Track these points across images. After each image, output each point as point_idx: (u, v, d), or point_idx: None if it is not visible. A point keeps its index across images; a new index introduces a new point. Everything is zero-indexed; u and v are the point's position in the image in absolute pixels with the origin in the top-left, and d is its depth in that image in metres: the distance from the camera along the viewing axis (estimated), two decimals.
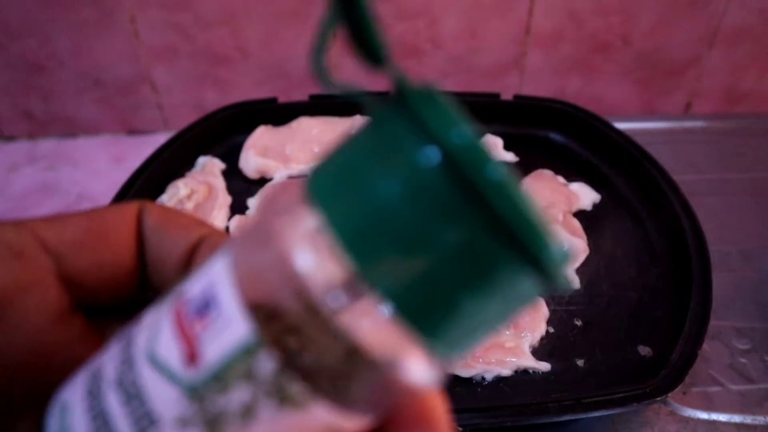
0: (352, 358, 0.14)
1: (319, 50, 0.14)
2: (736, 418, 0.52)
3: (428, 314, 0.13)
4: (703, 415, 0.52)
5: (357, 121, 0.67)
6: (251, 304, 0.14)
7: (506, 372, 0.49)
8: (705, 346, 0.55)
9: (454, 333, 0.13)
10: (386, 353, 0.14)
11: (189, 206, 0.59)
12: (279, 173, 0.63)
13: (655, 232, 0.59)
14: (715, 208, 0.65)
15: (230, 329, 0.14)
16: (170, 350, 0.14)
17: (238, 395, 0.14)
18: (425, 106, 0.12)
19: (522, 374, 0.50)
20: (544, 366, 0.50)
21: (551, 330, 0.53)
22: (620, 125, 0.67)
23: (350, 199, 0.13)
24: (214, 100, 0.85)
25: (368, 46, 0.14)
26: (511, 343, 0.50)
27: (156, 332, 0.15)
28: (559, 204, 0.59)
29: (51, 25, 0.79)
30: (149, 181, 0.61)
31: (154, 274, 0.20)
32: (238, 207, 0.62)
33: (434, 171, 0.12)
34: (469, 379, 0.49)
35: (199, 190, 0.60)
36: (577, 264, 0.57)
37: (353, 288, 0.13)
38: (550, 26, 0.78)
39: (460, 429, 0.45)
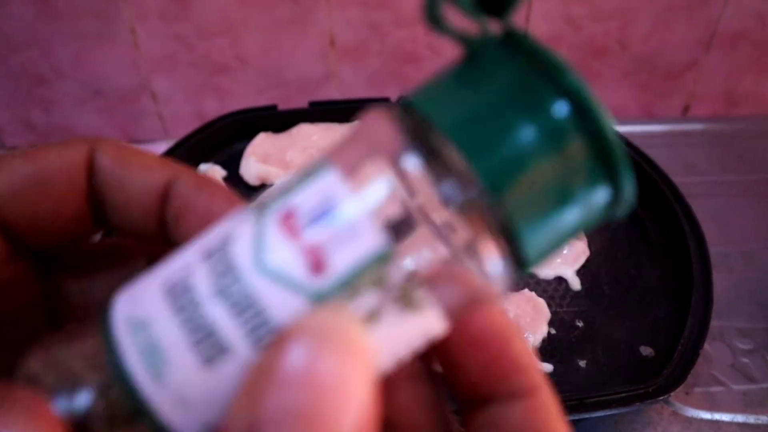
0: (465, 254, 0.15)
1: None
2: (739, 418, 0.52)
3: (530, 213, 0.15)
4: (706, 415, 0.52)
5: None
6: (376, 212, 0.15)
7: None
8: (707, 346, 0.55)
9: (543, 235, 0.15)
10: (490, 253, 0.15)
11: None
12: (280, 179, 0.64)
13: (655, 234, 0.59)
14: (715, 209, 0.65)
15: (362, 239, 0.14)
16: (289, 260, 0.14)
17: (365, 301, 0.14)
18: (547, 55, 0.15)
19: None
20: (546, 367, 0.50)
21: (553, 331, 0.53)
22: (619, 128, 0.67)
23: (464, 107, 0.15)
24: (214, 108, 0.85)
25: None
26: None
27: (262, 243, 0.15)
28: None
29: (52, 36, 0.80)
30: None
31: (116, 217, 0.19)
32: None
33: (552, 100, 0.14)
34: None
35: None
36: (578, 266, 0.57)
37: (465, 185, 0.15)
38: (547, 31, 0.78)
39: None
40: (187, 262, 0.16)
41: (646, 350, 0.52)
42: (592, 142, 0.15)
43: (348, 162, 0.15)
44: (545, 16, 0.78)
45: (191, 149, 0.65)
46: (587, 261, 0.57)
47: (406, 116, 0.16)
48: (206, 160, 0.67)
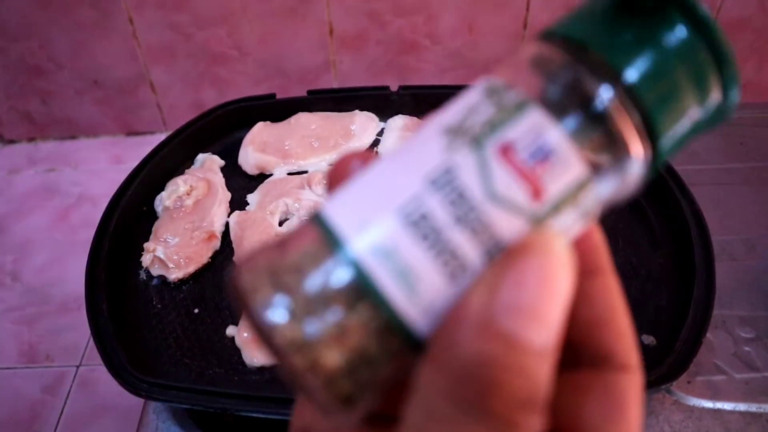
0: (619, 161, 0.18)
1: None
2: (741, 407, 0.52)
3: (666, 115, 0.18)
4: (708, 404, 0.52)
5: (355, 116, 0.66)
6: (578, 146, 0.18)
7: None
8: (709, 335, 0.55)
9: (671, 134, 0.18)
10: (636, 149, 0.18)
11: (189, 203, 0.59)
12: (278, 169, 0.63)
13: (657, 222, 0.59)
14: (717, 197, 0.64)
15: (569, 170, 0.18)
16: (515, 190, 0.17)
17: (564, 217, 0.18)
18: (693, 5, 0.18)
19: None
20: None
21: None
22: None
23: (618, 32, 0.18)
24: (212, 99, 0.85)
25: None
26: None
27: (488, 175, 0.18)
28: None
29: (50, 27, 0.80)
30: (149, 178, 0.61)
31: None
32: (237, 203, 0.61)
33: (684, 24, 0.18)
34: None
35: (199, 187, 0.60)
36: None
37: (619, 86, 0.18)
38: (548, 20, 0.78)
39: None
40: (412, 190, 0.18)
41: (648, 339, 0.51)
42: (713, 57, 0.18)
43: (535, 93, 0.18)
44: (546, 5, 0.77)
45: (189, 138, 0.65)
46: None
47: (567, 48, 0.19)
48: (204, 149, 0.66)
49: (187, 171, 0.63)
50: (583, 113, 0.18)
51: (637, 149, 0.18)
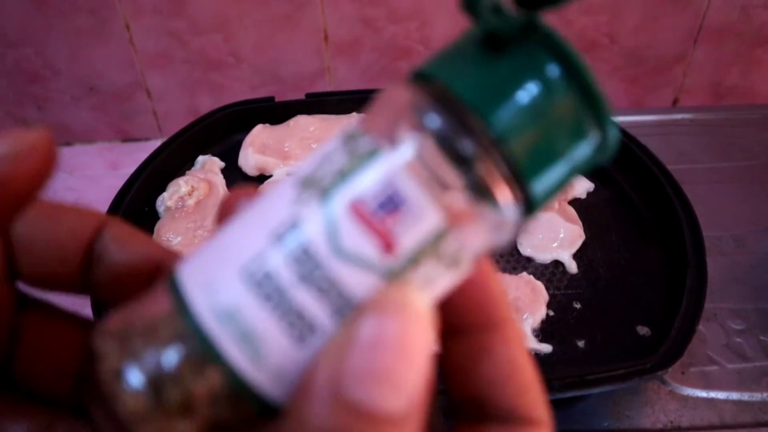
0: (488, 207, 0.17)
1: None
2: (734, 396, 0.53)
3: (537, 162, 0.17)
4: (702, 394, 0.53)
5: (353, 119, 0.68)
6: (433, 194, 0.17)
7: None
8: (701, 327, 0.56)
9: (544, 178, 0.18)
10: (504, 197, 0.17)
11: (190, 203, 0.60)
12: (278, 170, 0.64)
13: (649, 217, 0.61)
14: (706, 195, 0.66)
15: (424, 220, 0.17)
16: (364, 245, 0.17)
17: (424, 270, 0.17)
18: (559, 45, 0.17)
19: None
20: (546, 347, 0.51)
21: (551, 313, 0.54)
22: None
23: (481, 75, 0.18)
24: (208, 105, 0.86)
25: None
26: None
27: (336, 231, 0.17)
28: None
29: (47, 33, 0.80)
30: (150, 180, 0.62)
31: (101, 274, 0.21)
32: None
33: (553, 70, 0.17)
34: None
35: (200, 187, 0.61)
36: (574, 250, 0.58)
37: (481, 141, 0.17)
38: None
39: None
40: (257, 248, 0.17)
41: (642, 330, 0.53)
42: (583, 97, 0.17)
43: (393, 139, 0.17)
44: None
45: (189, 140, 0.66)
46: (583, 245, 0.58)
47: (425, 88, 0.18)
48: (204, 151, 0.67)
49: (187, 172, 0.64)
50: (444, 160, 0.17)
51: (506, 197, 0.17)
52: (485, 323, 0.20)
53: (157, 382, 0.17)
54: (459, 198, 0.17)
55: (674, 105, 0.86)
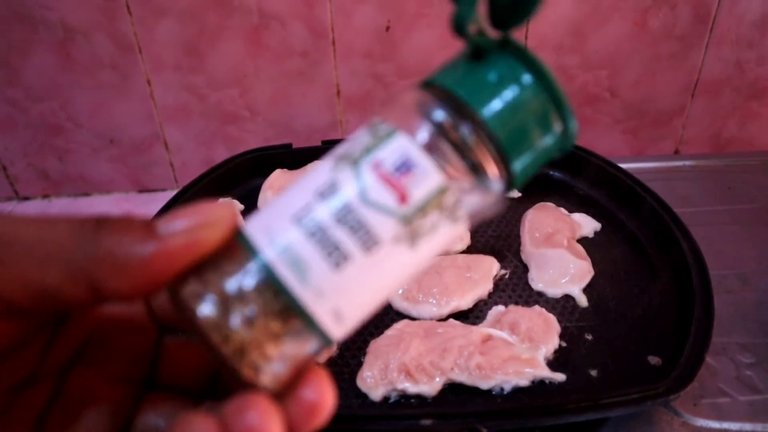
0: (479, 180, 0.24)
1: (468, 7, 0.23)
2: (747, 427, 0.54)
3: (515, 144, 0.24)
4: (715, 425, 0.54)
5: None
6: (436, 161, 0.23)
7: (524, 382, 0.51)
8: (711, 360, 0.57)
9: (522, 159, 0.24)
10: (489, 166, 0.24)
11: None
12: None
13: (655, 254, 0.62)
14: (710, 236, 0.68)
15: (429, 179, 0.23)
16: (385, 196, 0.22)
17: (430, 218, 0.23)
18: (527, 54, 0.23)
19: (539, 385, 0.52)
20: (560, 376, 0.52)
21: (564, 344, 0.55)
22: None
23: (474, 80, 0.24)
24: (223, 156, 0.88)
25: (507, 19, 0.24)
26: (527, 355, 0.52)
27: (364, 185, 0.23)
28: (563, 231, 0.62)
29: (71, 88, 0.84)
30: None
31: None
32: None
33: (527, 79, 0.24)
34: (489, 391, 0.51)
35: None
36: (584, 284, 0.59)
37: (476, 128, 0.23)
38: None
39: (485, 431, 0.46)
40: (304, 201, 0.23)
41: (653, 359, 0.54)
42: (547, 94, 0.23)
43: (407, 125, 0.24)
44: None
45: (210, 184, 0.68)
46: (592, 281, 0.60)
47: (429, 89, 0.24)
48: (224, 195, 0.69)
49: None
50: (444, 140, 0.23)
51: (493, 170, 0.24)
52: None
53: (225, 298, 0.22)
54: (455, 167, 0.23)
55: (675, 153, 0.89)
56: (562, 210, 0.66)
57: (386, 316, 0.57)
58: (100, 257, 0.21)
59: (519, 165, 0.24)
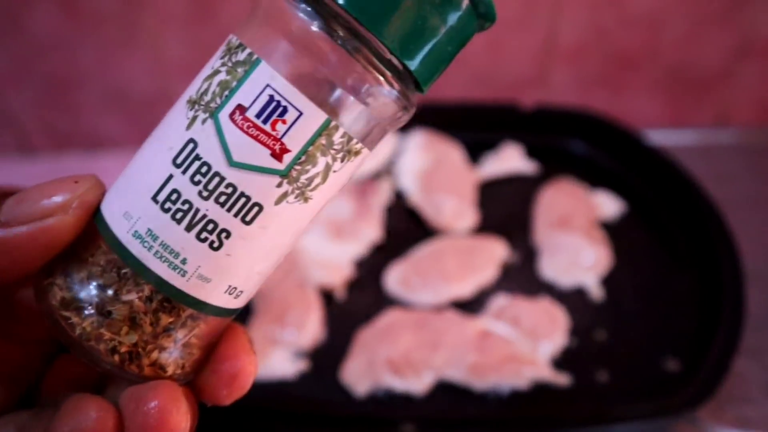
0: (371, 94, 0.19)
1: None
2: None
3: (405, 37, 0.18)
4: None
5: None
6: (311, 93, 0.18)
7: (522, 385, 0.46)
8: (739, 363, 0.52)
9: (420, 50, 0.19)
10: (385, 80, 0.19)
11: None
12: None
13: (684, 243, 0.56)
14: (752, 222, 0.61)
15: (310, 119, 0.18)
16: (257, 153, 0.18)
17: (320, 163, 0.19)
18: None
19: (539, 389, 0.47)
20: (563, 379, 0.47)
21: (572, 342, 0.50)
22: (649, 137, 0.65)
23: None
24: None
25: None
26: (528, 354, 0.48)
27: (226, 146, 0.18)
28: (580, 212, 0.57)
29: (77, 41, 0.81)
30: None
31: None
32: None
33: None
34: (484, 396, 0.47)
35: None
36: (601, 274, 0.54)
37: (360, 36, 0.18)
38: (574, 40, 0.76)
39: None
40: (163, 175, 0.19)
41: (671, 363, 0.49)
42: None
43: (271, 50, 0.18)
44: (573, 25, 0.76)
45: None
46: (610, 270, 0.54)
47: None
48: None
49: None
50: (321, 59, 0.18)
51: (385, 75, 0.19)
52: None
53: (99, 302, 0.19)
54: (339, 93, 0.19)
55: (719, 123, 0.81)
56: (582, 189, 0.60)
57: (377, 303, 0.52)
58: None
59: (420, 60, 0.19)
